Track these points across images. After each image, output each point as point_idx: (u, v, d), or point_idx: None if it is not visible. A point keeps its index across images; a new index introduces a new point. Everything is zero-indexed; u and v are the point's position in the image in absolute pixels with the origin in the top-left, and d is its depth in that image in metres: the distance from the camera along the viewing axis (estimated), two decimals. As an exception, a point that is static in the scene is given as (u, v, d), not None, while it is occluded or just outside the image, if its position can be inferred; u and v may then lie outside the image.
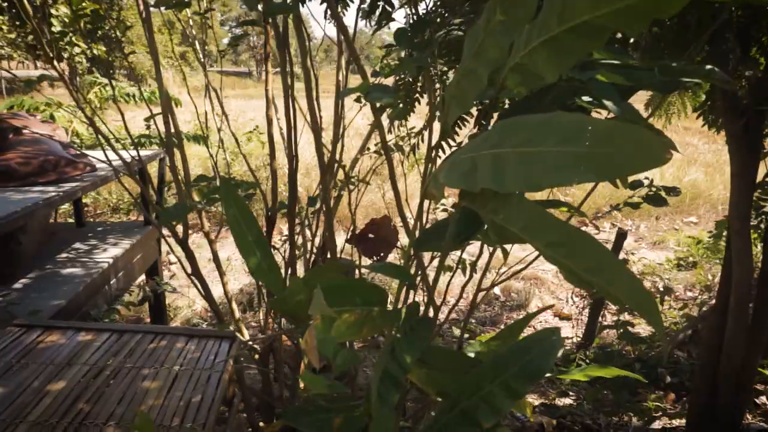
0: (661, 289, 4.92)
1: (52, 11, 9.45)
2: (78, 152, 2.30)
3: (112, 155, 2.72)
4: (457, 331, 3.73)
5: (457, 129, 1.91)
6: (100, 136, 1.64)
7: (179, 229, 1.57)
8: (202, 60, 1.85)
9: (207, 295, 2.20)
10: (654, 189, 1.32)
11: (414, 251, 1.10)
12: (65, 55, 10.85)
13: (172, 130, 1.56)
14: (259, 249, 1.05)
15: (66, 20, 10.21)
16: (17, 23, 9.79)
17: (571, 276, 0.49)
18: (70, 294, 2.04)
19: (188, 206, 1.25)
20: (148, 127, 1.96)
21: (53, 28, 10.07)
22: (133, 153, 2.77)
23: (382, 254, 2.29)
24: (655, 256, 5.69)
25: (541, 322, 4.57)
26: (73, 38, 10.64)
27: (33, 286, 2.10)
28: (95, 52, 11.54)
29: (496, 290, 5.10)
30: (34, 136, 2.40)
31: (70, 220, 3.46)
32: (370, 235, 2.33)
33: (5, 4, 9.35)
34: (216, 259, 2.25)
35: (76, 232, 2.79)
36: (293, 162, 1.96)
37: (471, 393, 0.72)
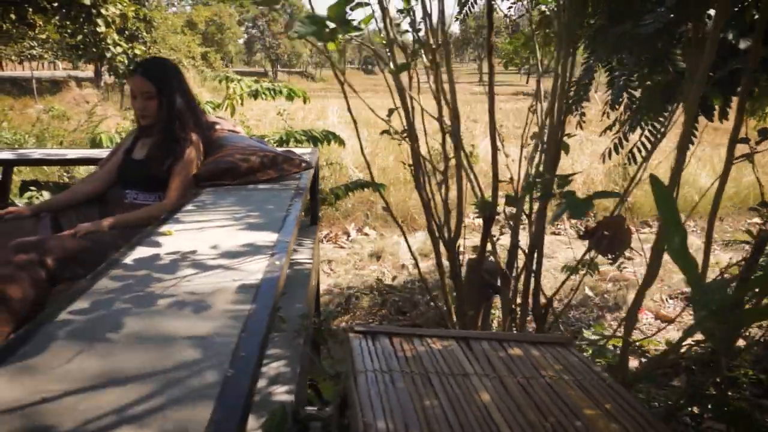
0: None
1: (102, 11, 9.38)
2: (287, 148, 2.20)
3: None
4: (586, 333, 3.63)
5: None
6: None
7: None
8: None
9: (445, 292, 2.10)
10: None
11: None
12: (108, 55, 10.79)
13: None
14: (679, 234, 1.00)
15: (109, 20, 10.13)
16: (67, 22, 9.73)
17: None
18: (304, 295, 1.95)
19: (597, 196, 1.16)
20: (390, 120, 1.86)
21: (98, 29, 10.00)
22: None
23: (616, 253, 2.19)
24: (727, 257, 5.58)
25: (645, 324, 4.49)
26: (117, 38, 10.57)
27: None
28: (136, 51, 11.46)
29: (588, 292, 5.03)
30: (226, 131, 2.31)
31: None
32: (605, 233, 2.22)
33: (55, 4, 9.29)
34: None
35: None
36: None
37: None
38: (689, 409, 1.96)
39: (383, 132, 1.86)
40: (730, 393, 2.22)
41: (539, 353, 1.31)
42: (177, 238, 1.38)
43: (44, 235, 1.87)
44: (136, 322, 0.92)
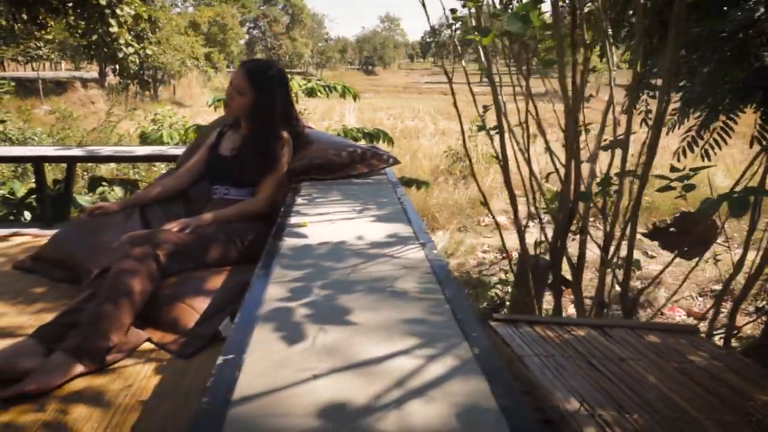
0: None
1: (117, 11, 9.36)
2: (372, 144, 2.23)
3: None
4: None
5: None
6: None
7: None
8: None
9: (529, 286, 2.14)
10: None
11: None
12: (120, 55, 10.76)
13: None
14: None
15: (121, 20, 10.11)
16: (81, 22, 9.70)
17: None
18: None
19: (751, 193, 1.19)
20: (483, 119, 1.89)
21: (111, 29, 9.97)
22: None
23: (687, 249, 2.22)
24: (751, 256, 5.62)
25: (676, 320, 4.54)
26: (128, 38, 10.55)
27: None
28: (148, 52, 11.41)
29: (617, 288, 5.08)
30: (306, 128, 2.33)
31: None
32: (671, 229, 2.25)
33: (69, 5, 9.27)
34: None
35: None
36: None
37: None
38: None
39: (480, 128, 1.89)
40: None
41: (675, 340, 1.35)
42: (314, 229, 1.40)
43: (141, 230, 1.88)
44: (347, 306, 0.94)
